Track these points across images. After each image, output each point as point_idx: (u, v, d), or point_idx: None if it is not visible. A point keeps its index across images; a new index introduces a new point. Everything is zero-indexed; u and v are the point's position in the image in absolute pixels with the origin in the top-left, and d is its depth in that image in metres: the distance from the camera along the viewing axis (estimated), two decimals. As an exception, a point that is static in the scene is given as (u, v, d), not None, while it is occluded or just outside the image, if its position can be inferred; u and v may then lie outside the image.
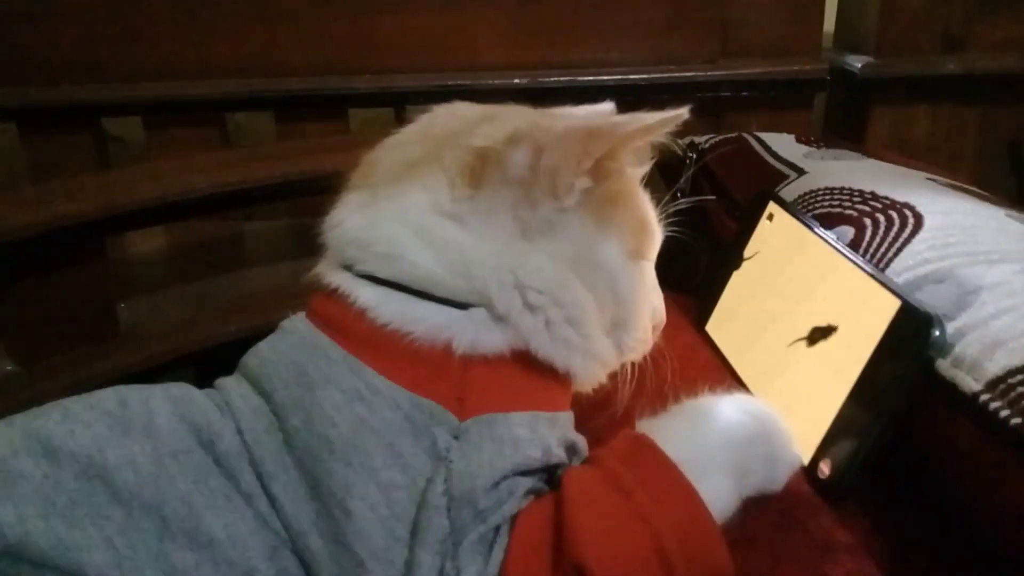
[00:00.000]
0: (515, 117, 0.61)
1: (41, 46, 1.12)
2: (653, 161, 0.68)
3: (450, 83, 1.18)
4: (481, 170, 0.58)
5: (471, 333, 0.57)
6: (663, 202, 0.69)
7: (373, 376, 0.56)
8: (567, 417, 0.60)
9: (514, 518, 0.52)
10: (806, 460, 0.65)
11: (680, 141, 1.23)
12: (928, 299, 0.63)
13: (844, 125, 1.44)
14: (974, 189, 0.92)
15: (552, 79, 1.21)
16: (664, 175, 1.31)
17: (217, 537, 0.52)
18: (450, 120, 0.63)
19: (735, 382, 0.79)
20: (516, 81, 1.19)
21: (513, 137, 0.58)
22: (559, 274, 0.58)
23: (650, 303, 0.67)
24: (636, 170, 0.65)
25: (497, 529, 0.51)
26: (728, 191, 1.05)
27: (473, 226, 0.58)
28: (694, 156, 1.18)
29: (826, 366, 0.68)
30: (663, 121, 0.58)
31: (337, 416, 0.54)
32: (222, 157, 1.01)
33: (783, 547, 0.58)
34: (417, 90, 1.19)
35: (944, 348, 0.59)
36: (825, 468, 0.64)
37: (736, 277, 0.89)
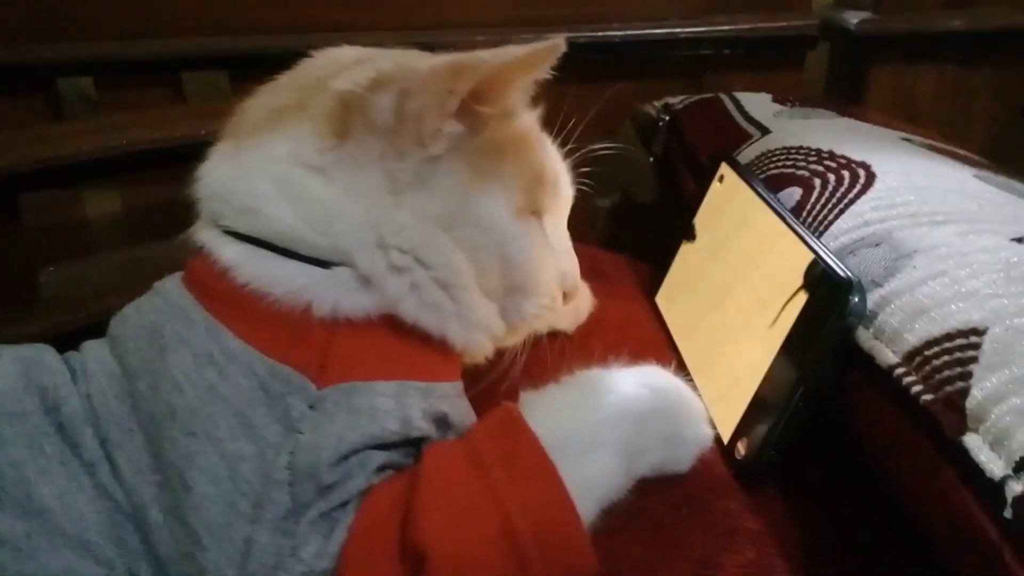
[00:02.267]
0: (387, 59, 0.55)
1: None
2: (539, 107, 0.62)
3: (413, 41, 1.12)
4: (346, 118, 0.53)
5: (333, 295, 0.52)
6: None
7: (231, 340, 0.52)
8: (448, 388, 0.55)
9: (366, 494, 0.48)
10: (727, 439, 0.60)
11: (655, 103, 1.17)
12: (860, 263, 0.57)
13: (844, 88, 1.35)
14: (962, 152, 0.85)
15: (519, 36, 1.15)
16: (642, 139, 1.25)
17: (50, 507, 0.48)
18: (326, 64, 0.58)
19: (676, 357, 0.74)
20: (479, 39, 1.13)
21: (377, 81, 0.53)
22: (425, 232, 0.53)
23: (557, 266, 0.61)
24: (530, 116, 0.60)
25: (345, 505, 0.47)
26: (694, 152, 0.99)
27: (338, 179, 0.53)
28: (667, 119, 1.11)
29: (756, 338, 0.63)
30: (534, 53, 0.52)
31: (185, 382, 0.50)
32: (137, 117, 0.97)
33: (676, 532, 0.53)
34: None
35: (866, 316, 0.53)
36: (742, 448, 0.58)
37: (686, 243, 0.84)
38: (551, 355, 0.60)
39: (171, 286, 0.57)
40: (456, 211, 0.54)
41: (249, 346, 0.51)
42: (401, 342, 0.53)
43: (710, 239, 0.79)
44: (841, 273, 0.54)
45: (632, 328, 0.80)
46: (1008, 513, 0.38)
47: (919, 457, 0.46)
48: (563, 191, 0.62)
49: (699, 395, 0.64)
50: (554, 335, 0.77)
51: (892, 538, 0.54)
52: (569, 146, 0.66)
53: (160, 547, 0.49)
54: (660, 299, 0.85)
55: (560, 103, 0.65)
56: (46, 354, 0.55)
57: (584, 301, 0.78)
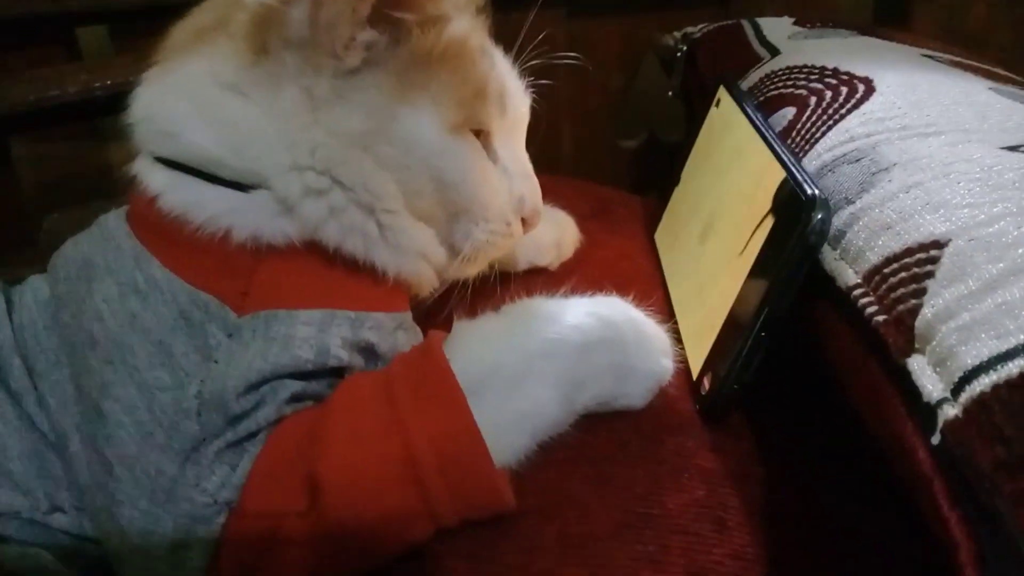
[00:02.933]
0: None
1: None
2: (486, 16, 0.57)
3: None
4: (263, 33, 0.50)
5: (252, 221, 0.50)
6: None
7: (157, 268, 0.50)
8: (384, 318, 0.52)
9: (277, 425, 0.46)
10: (696, 375, 0.56)
11: (675, 33, 1.10)
12: (836, 181, 0.52)
13: (890, 15, 1.25)
14: (993, 69, 0.77)
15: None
16: (667, 70, 1.19)
17: None
18: None
19: (664, 294, 0.69)
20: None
21: None
22: (342, 151, 0.50)
23: (509, 189, 0.57)
24: (472, 25, 0.55)
25: (254, 436, 0.45)
26: (704, 78, 0.93)
27: (256, 98, 0.50)
28: (685, 49, 1.05)
29: (730, 267, 0.58)
30: None
31: (106, 310, 0.49)
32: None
33: (618, 468, 0.49)
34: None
35: (834, 236, 0.48)
36: (707, 382, 0.54)
37: (684, 173, 0.79)
38: (527, 289, 0.56)
39: (112, 217, 0.56)
40: (377, 128, 0.51)
41: (174, 275, 0.50)
42: (331, 270, 0.51)
43: (703, 168, 0.74)
44: (807, 191, 0.49)
45: (622, 264, 0.76)
46: (936, 439, 0.34)
47: (870, 383, 0.42)
48: (513, 108, 0.57)
49: (677, 331, 0.60)
50: (536, 271, 0.74)
51: (863, 478, 0.49)
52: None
53: (80, 477, 0.48)
54: (658, 235, 0.80)
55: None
56: (-12, 286, 0.55)
57: (569, 237, 0.75)
